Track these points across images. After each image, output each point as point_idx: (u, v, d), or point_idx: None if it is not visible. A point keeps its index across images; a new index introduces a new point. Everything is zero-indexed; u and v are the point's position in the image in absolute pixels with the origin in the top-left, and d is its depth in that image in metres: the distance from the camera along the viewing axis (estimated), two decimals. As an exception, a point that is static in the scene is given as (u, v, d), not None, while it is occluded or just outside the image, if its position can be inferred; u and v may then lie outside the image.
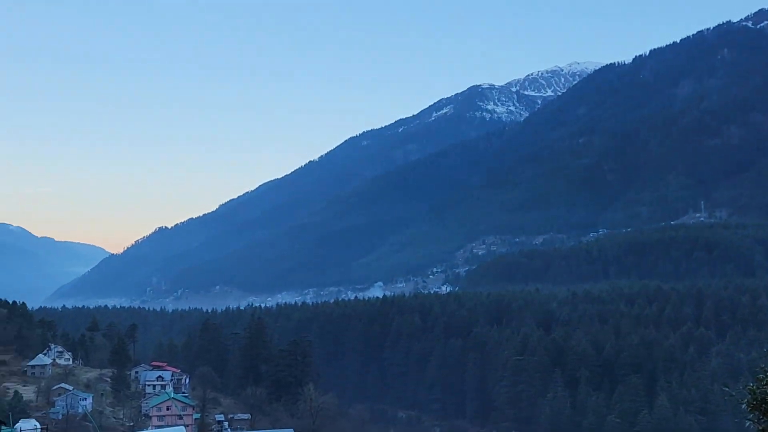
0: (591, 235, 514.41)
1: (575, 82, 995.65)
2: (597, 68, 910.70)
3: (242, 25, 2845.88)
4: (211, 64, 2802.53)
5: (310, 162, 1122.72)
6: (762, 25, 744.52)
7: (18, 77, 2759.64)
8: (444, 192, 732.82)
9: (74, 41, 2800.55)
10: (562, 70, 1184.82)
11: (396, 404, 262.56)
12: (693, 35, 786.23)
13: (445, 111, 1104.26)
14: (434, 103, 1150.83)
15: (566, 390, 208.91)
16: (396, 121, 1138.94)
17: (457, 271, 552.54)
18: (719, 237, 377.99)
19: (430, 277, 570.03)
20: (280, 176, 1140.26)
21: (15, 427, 40.65)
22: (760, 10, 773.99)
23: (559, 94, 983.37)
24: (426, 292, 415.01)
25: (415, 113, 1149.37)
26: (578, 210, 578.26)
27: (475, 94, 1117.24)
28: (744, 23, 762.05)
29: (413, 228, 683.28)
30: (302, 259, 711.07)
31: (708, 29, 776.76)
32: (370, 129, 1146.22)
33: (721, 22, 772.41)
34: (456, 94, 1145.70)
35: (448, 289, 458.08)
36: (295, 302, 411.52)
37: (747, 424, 22.39)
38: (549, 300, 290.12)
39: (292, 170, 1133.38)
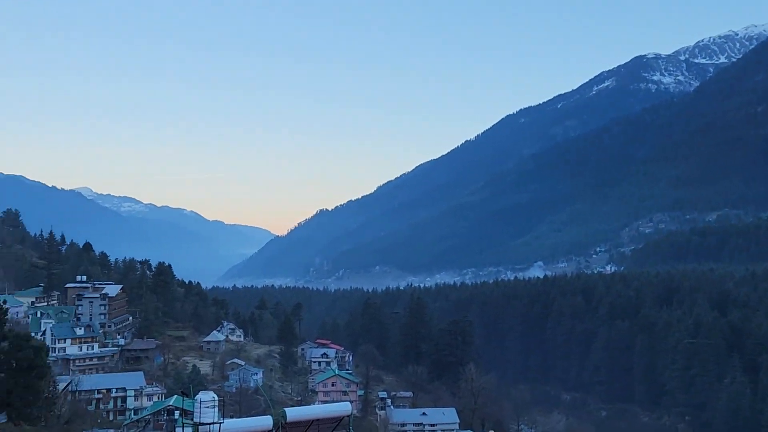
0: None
1: (752, 46, 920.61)
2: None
3: (399, 7, 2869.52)
4: (372, 50, 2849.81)
5: (466, 141, 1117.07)
6: None
7: (203, 68, 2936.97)
8: (607, 168, 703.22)
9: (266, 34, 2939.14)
10: (737, 35, 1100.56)
11: (559, 386, 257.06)
12: None
13: (606, 84, 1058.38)
14: (595, 77, 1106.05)
15: (745, 376, 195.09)
16: (554, 97, 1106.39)
17: (622, 250, 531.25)
18: None
19: (594, 256, 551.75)
20: (436, 157, 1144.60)
21: (195, 398, 42.82)
22: None
23: (734, 60, 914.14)
24: (589, 272, 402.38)
25: (574, 88, 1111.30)
26: (756, 184, 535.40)
27: (640, 65, 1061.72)
28: None
29: (574, 206, 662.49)
30: (460, 239, 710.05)
31: None
32: (527, 106, 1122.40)
33: None
34: (618, 66, 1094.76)
35: (612, 269, 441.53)
36: (454, 282, 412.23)
37: None
38: (724, 280, 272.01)
39: (449, 150, 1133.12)
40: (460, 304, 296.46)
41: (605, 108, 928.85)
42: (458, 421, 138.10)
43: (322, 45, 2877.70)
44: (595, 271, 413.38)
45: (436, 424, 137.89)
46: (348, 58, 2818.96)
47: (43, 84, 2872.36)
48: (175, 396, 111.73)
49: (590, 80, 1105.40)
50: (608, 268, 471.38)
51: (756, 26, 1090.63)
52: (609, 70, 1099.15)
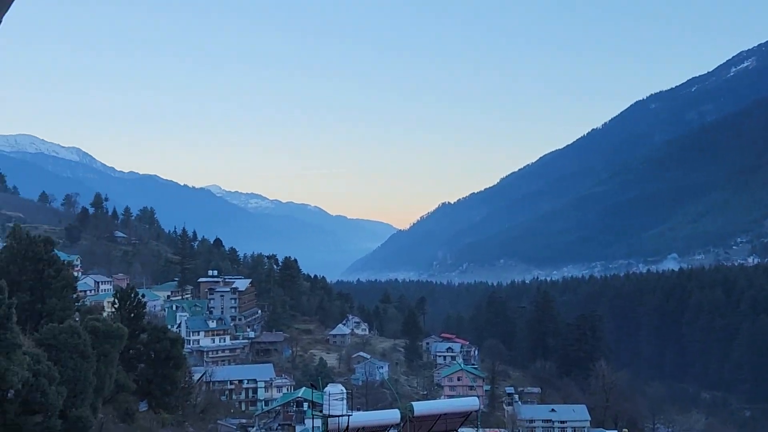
0: None
1: None
2: None
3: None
4: (493, 41, 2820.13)
5: (593, 130, 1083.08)
6: None
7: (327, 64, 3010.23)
8: (747, 154, 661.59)
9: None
10: None
11: (697, 384, 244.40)
12: None
13: (746, 65, 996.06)
14: (733, 57, 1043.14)
15: None
16: (688, 80, 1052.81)
17: (765, 240, 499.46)
18: None
19: (734, 248, 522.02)
20: (561, 147, 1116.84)
21: (324, 391, 43.00)
22: None
23: None
24: (729, 264, 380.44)
25: (710, 70, 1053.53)
26: None
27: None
28: None
29: (711, 195, 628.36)
30: (588, 231, 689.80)
31: None
32: (658, 91, 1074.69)
33: None
34: (759, 45, 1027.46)
35: (755, 261, 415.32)
36: (582, 276, 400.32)
37: None
38: None
39: (575, 139, 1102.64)
40: (589, 298, 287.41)
41: (745, 90, 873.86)
42: (589, 418, 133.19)
43: (445, 40, 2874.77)
44: (736, 263, 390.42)
45: (566, 421, 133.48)
46: (468, 49, 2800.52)
47: (172, 89, 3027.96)
48: (304, 388, 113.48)
49: (727, 61, 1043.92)
50: (750, 259, 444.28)
51: None
52: (748, 50, 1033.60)
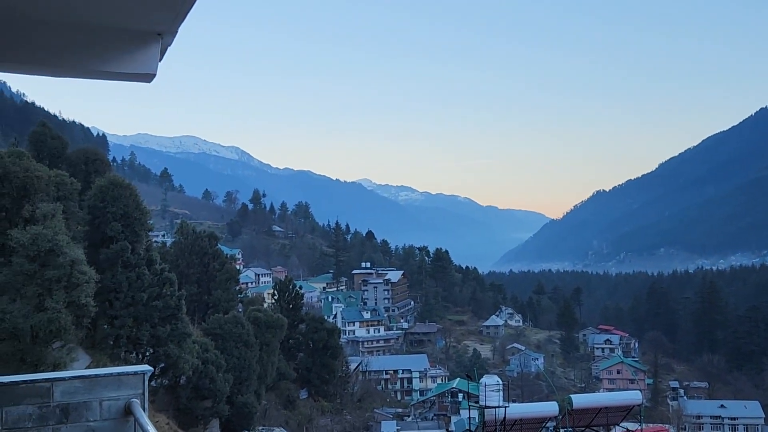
0: None
1: None
2: None
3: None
4: (645, 20, 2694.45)
5: (762, 109, 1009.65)
6: None
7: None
8: None
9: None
10: None
11: None
12: None
13: None
14: None
15: None
16: None
17: None
18: None
19: None
20: (726, 128, 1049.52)
21: (480, 381, 42.74)
22: None
23: None
24: None
25: None
26: None
27: None
28: None
29: None
30: (758, 216, 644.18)
31: None
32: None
33: None
34: None
35: None
36: (752, 264, 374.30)
37: None
38: None
39: (741, 120, 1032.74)
40: (761, 289, 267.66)
41: None
42: (763, 415, 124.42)
43: (594, 26, 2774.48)
44: None
45: (737, 418, 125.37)
46: (619, 31, 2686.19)
47: (323, 89, 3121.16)
48: (458, 378, 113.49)
49: None
50: None
51: None
52: None
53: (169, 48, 4.19)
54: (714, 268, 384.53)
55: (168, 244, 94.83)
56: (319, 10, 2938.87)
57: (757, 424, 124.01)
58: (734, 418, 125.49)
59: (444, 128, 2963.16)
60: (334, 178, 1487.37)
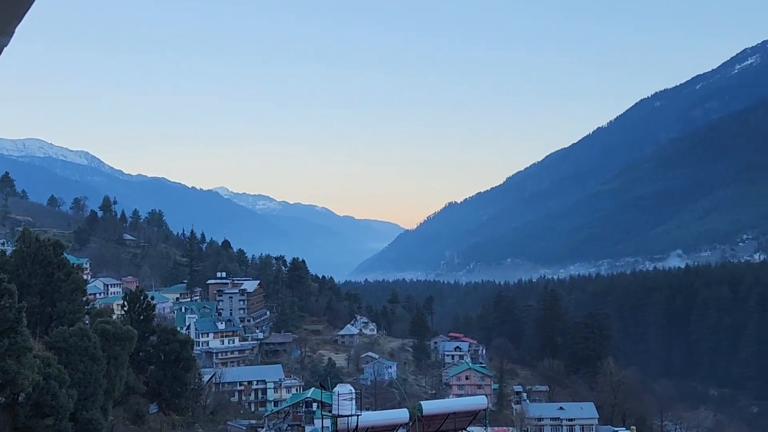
0: None
1: None
2: None
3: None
4: (492, 37, 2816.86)
5: (598, 128, 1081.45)
6: None
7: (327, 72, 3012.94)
8: (753, 152, 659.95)
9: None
10: None
11: (706, 381, 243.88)
12: None
13: (750, 62, 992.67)
14: (737, 54, 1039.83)
15: None
16: (692, 78, 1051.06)
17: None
18: None
19: (740, 244, 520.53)
20: (567, 145, 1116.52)
21: (333, 391, 43.19)
22: None
23: None
24: (735, 261, 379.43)
25: (714, 67, 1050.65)
26: None
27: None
28: None
29: (717, 192, 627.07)
30: (594, 229, 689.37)
31: None
32: (663, 89, 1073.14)
33: None
34: (764, 42, 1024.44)
35: (761, 258, 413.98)
36: (589, 274, 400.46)
37: None
38: None
39: (580, 138, 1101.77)
40: (596, 296, 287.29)
41: (749, 87, 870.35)
42: (597, 416, 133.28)
43: (449, 41, 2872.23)
44: (742, 260, 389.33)
45: (574, 419, 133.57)
46: (474, 50, 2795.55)
47: (178, 92, 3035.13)
48: (313, 388, 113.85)
49: (732, 58, 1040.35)
50: (756, 256, 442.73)
51: None
52: (753, 47, 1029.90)
53: (5, 48, 4.21)
54: (555, 277, 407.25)
55: (8, 253, 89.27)
56: (172, 13, 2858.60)
57: (592, 425, 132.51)
58: (572, 420, 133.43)
59: (302, 138, 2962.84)
60: (190, 186, 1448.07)
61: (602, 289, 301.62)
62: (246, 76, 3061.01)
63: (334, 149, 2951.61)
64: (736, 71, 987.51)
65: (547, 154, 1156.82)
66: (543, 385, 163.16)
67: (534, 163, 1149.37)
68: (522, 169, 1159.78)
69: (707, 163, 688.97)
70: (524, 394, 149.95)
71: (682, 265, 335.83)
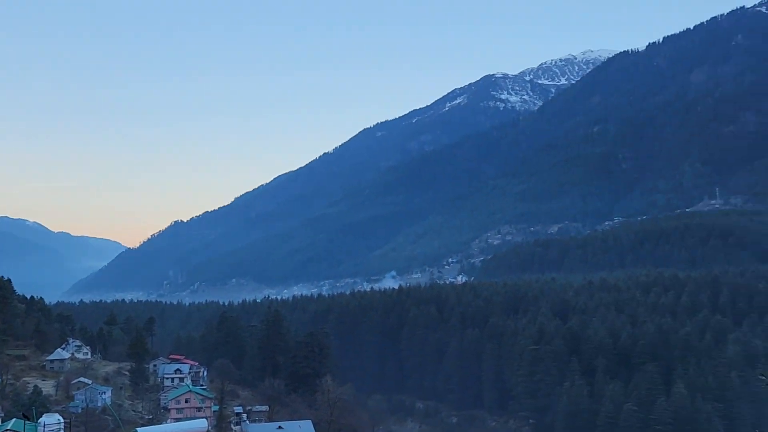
0: (606, 223, 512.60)
1: (589, 70, 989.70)
2: (611, 56, 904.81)
3: (255, 20, 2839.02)
4: (227, 57, 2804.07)
5: (324, 154, 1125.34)
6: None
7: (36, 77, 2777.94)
8: (459, 182, 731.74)
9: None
10: (576, 59, 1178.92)
11: (414, 395, 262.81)
12: (707, 21, 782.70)
13: (458, 101, 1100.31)
14: (448, 93, 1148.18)
15: (583, 379, 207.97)
16: (410, 112, 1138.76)
17: (472, 261, 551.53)
18: (735, 224, 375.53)
19: (446, 267, 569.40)
20: (294, 168, 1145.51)
21: (39, 421, 41.13)
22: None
23: (573, 82, 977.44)
24: (441, 282, 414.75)
25: (428, 104, 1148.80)
26: (593, 198, 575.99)
27: (489, 84, 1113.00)
28: (758, 8, 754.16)
29: (428, 219, 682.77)
30: (318, 251, 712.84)
31: (722, 15, 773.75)
32: (384, 120, 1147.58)
33: (735, 8, 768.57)
34: (469, 84, 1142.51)
35: (463, 279, 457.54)
36: (311, 294, 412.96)
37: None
38: (565, 289, 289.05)
39: (307, 162, 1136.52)
40: (318, 316, 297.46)
41: (457, 124, 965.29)
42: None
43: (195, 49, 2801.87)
44: (448, 282, 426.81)
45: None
46: (204, 61, 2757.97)
47: None
48: (14, 419, 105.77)
49: (443, 96, 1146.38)
50: (459, 278, 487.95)
51: (592, 51, 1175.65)
52: (461, 88, 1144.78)
53: None
54: (279, 297, 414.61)
55: None
56: None
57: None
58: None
59: (10, 147, 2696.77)
60: None
61: (323, 309, 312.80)
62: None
63: (46, 160, 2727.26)
64: (447, 108, 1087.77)
65: (276, 176, 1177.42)
66: (263, 405, 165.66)
67: (262, 185, 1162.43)
68: (251, 189, 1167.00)
69: (421, 192, 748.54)
70: (244, 415, 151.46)
71: (396, 286, 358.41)
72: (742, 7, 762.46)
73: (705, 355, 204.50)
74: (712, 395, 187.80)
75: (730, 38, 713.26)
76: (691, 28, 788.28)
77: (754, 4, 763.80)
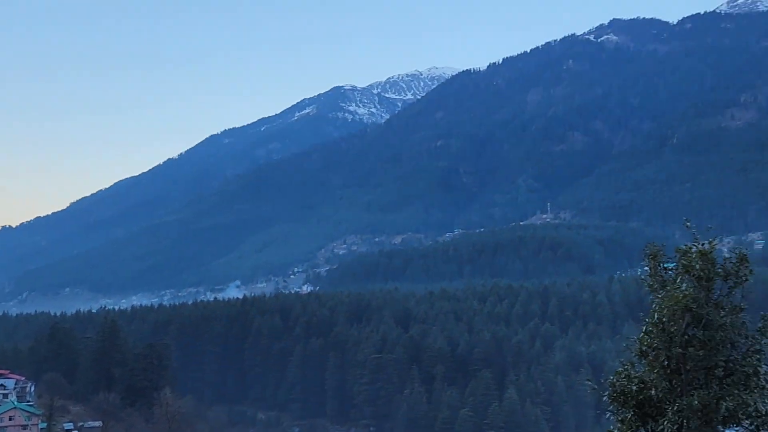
0: (447, 235, 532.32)
1: (434, 86, 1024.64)
2: (454, 74, 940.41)
3: (95, 18, 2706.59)
4: (69, 56, 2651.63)
5: (169, 160, 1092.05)
6: (603, 38, 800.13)
7: None
8: (306, 192, 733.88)
9: None
10: (422, 74, 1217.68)
11: (256, 405, 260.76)
12: (542, 46, 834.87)
13: (307, 111, 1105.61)
14: (297, 103, 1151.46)
15: (423, 386, 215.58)
16: (258, 120, 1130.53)
17: (317, 270, 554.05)
18: (563, 237, 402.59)
19: (291, 276, 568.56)
20: (136, 174, 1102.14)
21: None
22: (601, 25, 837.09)
23: (419, 97, 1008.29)
24: (287, 291, 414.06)
25: (277, 112, 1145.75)
26: (435, 211, 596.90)
27: (338, 95, 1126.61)
28: (587, 36, 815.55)
29: (275, 228, 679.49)
30: (159, 259, 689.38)
31: (555, 41, 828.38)
32: (231, 127, 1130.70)
33: (567, 35, 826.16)
34: (319, 95, 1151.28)
35: (308, 289, 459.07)
36: (151, 304, 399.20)
37: (607, 415, 23.66)
38: (407, 298, 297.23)
39: (150, 168, 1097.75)
40: (158, 327, 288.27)
41: (306, 134, 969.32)
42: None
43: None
44: (293, 291, 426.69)
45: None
46: (53, 59, 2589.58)
47: None
48: None
49: (293, 106, 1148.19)
50: (305, 287, 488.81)
51: (437, 68, 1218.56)
52: (310, 98, 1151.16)
53: None
54: (117, 307, 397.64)
55: None
56: None
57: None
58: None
59: None
60: None
61: (164, 319, 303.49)
62: None
63: None
64: (296, 118, 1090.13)
65: (116, 181, 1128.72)
66: (96, 421, 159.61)
67: (101, 190, 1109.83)
68: (88, 194, 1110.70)
69: (267, 200, 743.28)
70: (75, 431, 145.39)
71: (240, 296, 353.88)
72: (573, 35, 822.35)
73: (535, 362, 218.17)
74: (540, 399, 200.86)
75: (561, 62, 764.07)
76: (528, 51, 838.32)
77: (584, 32, 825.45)
